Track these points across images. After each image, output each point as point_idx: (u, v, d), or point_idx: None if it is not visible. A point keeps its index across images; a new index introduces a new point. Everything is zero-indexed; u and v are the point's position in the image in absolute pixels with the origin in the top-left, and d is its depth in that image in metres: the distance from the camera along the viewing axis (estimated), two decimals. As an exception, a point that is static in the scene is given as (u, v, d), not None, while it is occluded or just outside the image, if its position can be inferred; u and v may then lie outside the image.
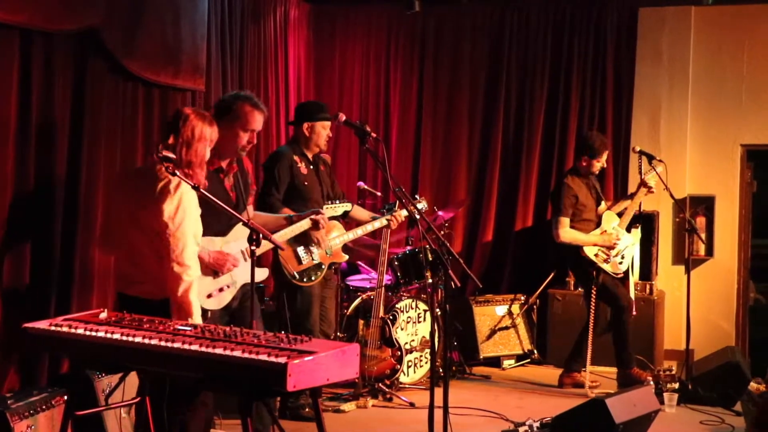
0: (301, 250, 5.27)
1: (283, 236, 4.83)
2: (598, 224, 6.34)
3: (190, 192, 3.68)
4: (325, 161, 5.82)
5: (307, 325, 5.33)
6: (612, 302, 6.28)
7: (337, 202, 5.29)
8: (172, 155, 3.71)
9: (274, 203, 5.29)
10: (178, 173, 3.69)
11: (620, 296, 6.30)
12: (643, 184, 6.35)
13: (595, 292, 6.19)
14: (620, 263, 6.36)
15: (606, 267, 6.23)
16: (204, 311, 4.09)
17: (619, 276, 6.35)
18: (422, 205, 5.78)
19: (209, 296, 4.15)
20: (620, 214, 6.43)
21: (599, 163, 6.37)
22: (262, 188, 5.47)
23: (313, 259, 5.31)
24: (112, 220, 4.04)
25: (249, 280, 4.37)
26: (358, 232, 5.53)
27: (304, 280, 5.31)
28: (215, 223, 4.14)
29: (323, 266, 5.38)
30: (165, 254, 3.60)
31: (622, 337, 6.28)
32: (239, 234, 4.31)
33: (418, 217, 4.26)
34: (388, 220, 5.53)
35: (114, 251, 4.03)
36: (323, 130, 5.52)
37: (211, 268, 4.14)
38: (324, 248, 5.31)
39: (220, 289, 4.21)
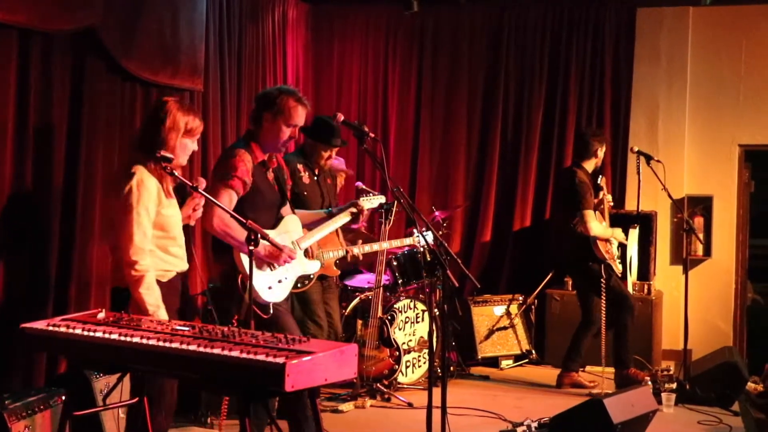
0: None
1: (323, 230, 4.82)
2: None
3: (143, 187, 3.67)
4: (333, 176, 5.81)
5: (312, 326, 5.34)
6: (621, 302, 6.29)
7: (371, 194, 5.33)
8: (169, 155, 3.71)
9: None
10: (176, 173, 3.70)
11: (628, 296, 6.35)
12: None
13: (605, 292, 6.20)
14: (619, 263, 6.40)
15: (614, 265, 6.28)
16: (266, 304, 4.12)
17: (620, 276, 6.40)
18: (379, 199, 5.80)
19: (270, 288, 4.21)
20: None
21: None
22: None
23: None
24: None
25: (303, 273, 4.54)
26: (355, 250, 5.52)
27: None
28: (264, 216, 4.19)
29: (312, 276, 5.36)
30: (118, 249, 3.69)
31: (624, 337, 6.29)
32: (288, 227, 4.37)
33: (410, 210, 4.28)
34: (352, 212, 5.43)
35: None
36: (323, 152, 5.51)
37: (266, 261, 4.18)
38: (318, 259, 5.30)
39: (279, 281, 4.26)
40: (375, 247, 5.73)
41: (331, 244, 5.42)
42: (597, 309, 6.34)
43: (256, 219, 4.04)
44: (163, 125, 3.75)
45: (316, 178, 5.55)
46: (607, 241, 6.30)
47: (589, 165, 6.43)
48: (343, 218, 4.93)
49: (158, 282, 3.72)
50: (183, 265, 3.94)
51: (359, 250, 5.54)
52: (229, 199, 4.12)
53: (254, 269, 4.10)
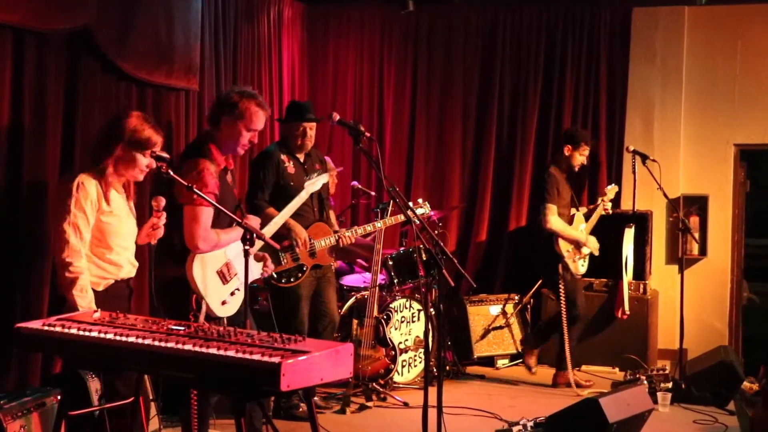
0: (279, 250, 5.23)
1: (272, 226, 4.79)
2: (570, 223, 6.44)
3: (86, 191, 3.68)
4: (322, 161, 5.79)
5: (294, 325, 5.30)
6: (569, 307, 6.33)
7: (315, 175, 5.20)
8: (165, 155, 3.71)
9: (260, 205, 5.27)
10: (171, 172, 3.69)
11: (578, 305, 6.39)
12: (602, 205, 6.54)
13: (563, 289, 6.27)
14: (582, 266, 6.45)
15: (573, 266, 6.33)
16: (219, 319, 4.08)
17: (578, 277, 6.42)
18: (424, 210, 5.94)
19: (223, 303, 4.15)
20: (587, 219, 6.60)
21: (581, 157, 6.46)
22: (250, 187, 5.44)
23: (293, 260, 5.29)
24: None
25: (254, 278, 4.42)
26: (346, 234, 5.50)
27: (283, 281, 5.28)
28: (223, 220, 4.15)
29: (305, 268, 5.34)
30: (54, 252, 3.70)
31: (561, 338, 6.35)
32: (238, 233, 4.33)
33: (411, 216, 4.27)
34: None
35: None
36: (296, 132, 5.45)
37: (219, 275, 4.14)
38: (307, 250, 5.29)
39: (232, 293, 4.20)
40: (368, 228, 5.69)
41: (322, 232, 5.41)
42: (581, 305, 6.40)
43: (217, 224, 4.04)
44: (122, 139, 3.74)
45: (302, 165, 5.51)
46: (574, 242, 6.34)
47: (561, 163, 6.47)
48: (291, 207, 4.94)
49: (93, 290, 3.71)
50: (124, 273, 3.89)
51: (350, 233, 5.52)
52: (208, 217, 4.06)
53: (207, 283, 4.10)
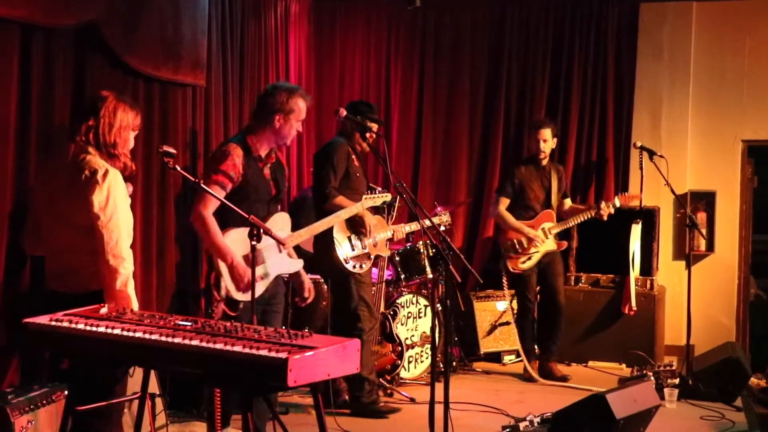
0: (353, 238, 5.33)
1: (310, 230, 4.89)
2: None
3: (118, 181, 3.62)
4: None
5: (370, 311, 5.44)
6: (518, 299, 6.66)
7: (377, 191, 5.39)
8: (172, 150, 3.70)
9: (331, 193, 5.30)
10: (178, 168, 3.69)
11: (528, 296, 6.60)
12: (597, 210, 6.50)
13: (506, 282, 6.61)
14: (524, 262, 6.53)
15: (510, 263, 6.53)
16: (236, 302, 4.12)
17: (517, 272, 6.55)
18: (446, 217, 6.10)
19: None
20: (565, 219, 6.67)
21: (540, 141, 6.57)
22: (318, 176, 5.40)
23: (364, 248, 5.37)
24: (36, 215, 3.90)
25: (283, 271, 4.51)
26: (401, 229, 5.70)
27: (356, 267, 5.34)
28: (254, 209, 4.20)
29: (371, 256, 5.43)
30: (98, 248, 3.53)
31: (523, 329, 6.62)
32: (276, 224, 4.40)
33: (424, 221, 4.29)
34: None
35: (40, 248, 3.90)
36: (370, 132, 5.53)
37: (245, 259, 4.19)
38: (373, 239, 5.38)
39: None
40: (413, 226, 5.82)
41: (380, 226, 5.52)
42: (531, 294, 6.59)
43: (247, 211, 4.07)
44: (114, 122, 3.69)
45: (359, 160, 5.61)
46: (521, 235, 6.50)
47: (531, 157, 6.69)
48: (333, 219, 5.08)
49: None
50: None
51: (402, 229, 5.72)
52: (215, 193, 4.10)
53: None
